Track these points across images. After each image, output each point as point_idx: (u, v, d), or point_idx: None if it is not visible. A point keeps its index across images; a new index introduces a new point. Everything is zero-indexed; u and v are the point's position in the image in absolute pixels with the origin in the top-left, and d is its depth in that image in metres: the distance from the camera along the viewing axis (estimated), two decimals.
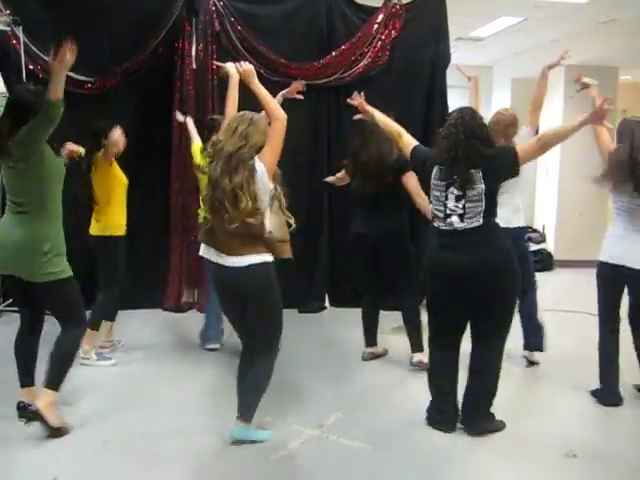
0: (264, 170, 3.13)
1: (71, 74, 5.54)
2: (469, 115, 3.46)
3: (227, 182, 3.08)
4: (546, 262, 8.59)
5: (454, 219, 3.40)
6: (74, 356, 3.58)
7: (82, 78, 5.61)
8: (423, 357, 4.43)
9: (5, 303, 5.62)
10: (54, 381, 3.44)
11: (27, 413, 3.50)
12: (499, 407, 3.80)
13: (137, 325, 5.44)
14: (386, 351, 4.92)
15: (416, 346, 4.58)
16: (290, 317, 5.86)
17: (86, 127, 5.28)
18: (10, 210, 3.43)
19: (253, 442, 3.38)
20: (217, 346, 4.87)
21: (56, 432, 3.42)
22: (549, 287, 7.85)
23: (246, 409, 3.36)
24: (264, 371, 3.38)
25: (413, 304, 4.68)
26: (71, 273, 3.46)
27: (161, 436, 3.50)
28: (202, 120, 5.65)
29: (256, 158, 3.14)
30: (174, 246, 5.94)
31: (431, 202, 3.54)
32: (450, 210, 3.41)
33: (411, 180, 4.29)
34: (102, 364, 4.55)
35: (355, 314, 5.25)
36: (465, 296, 3.43)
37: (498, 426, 3.62)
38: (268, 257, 3.24)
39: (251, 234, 3.16)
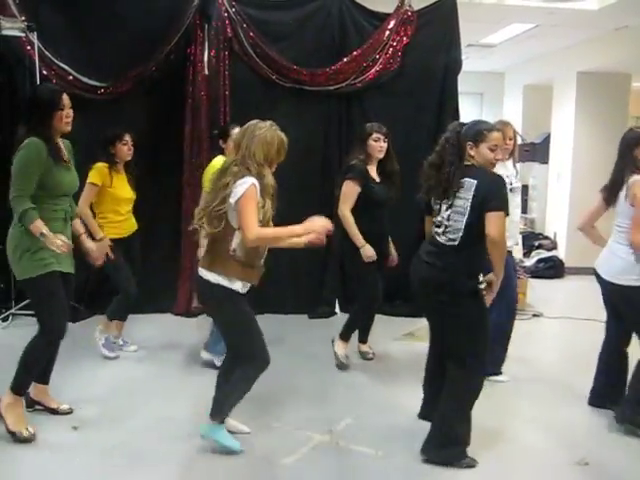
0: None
1: (84, 79, 5.62)
2: None
3: None
4: (557, 269, 8.56)
5: None
6: (32, 363, 3.48)
7: (95, 83, 5.66)
8: (341, 347, 4.74)
9: (17, 306, 5.63)
10: (14, 384, 3.45)
11: None
12: (504, 416, 3.78)
13: (145, 330, 5.45)
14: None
15: (342, 335, 4.76)
16: (300, 322, 5.92)
17: (98, 132, 5.34)
18: None
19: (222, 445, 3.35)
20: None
21: (12, 436, 3.40)
22: (560, 294, 7.84)
23: (217, 409, 3.34)
24: (238, 381, 3.30)
25: (361, 303, 4.78)
26: (34, 274, 3.34)
27: (168, 440, 3.50)
28: (215, 126, 5.70)
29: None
30: (185, 251, 5.95)
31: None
32: None
33: (346, 189, 4.49)
34: (105, 353, 4.73)
35: None
36: None
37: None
38: (224, 281, 3.16)
39: (216, 250, 3.20)
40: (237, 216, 3.09)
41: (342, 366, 4.69)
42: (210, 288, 3.19)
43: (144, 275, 5.58)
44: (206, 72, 5.78)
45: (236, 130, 4.44)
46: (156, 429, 3.64)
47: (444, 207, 3.33)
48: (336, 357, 4.72)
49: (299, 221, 3.22)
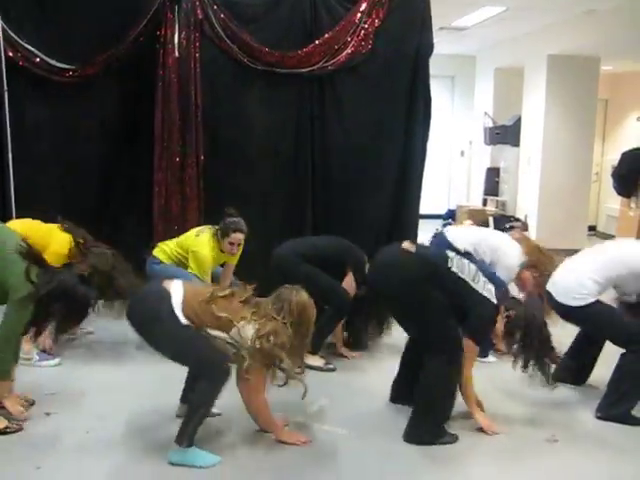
0: None
1: (51, 61, 5.52)
2: None
3: None
4: None
5: None
6: None
7: (62, 65, 5.54)
8: (315, 360, 4.37)
9: None
10: None
11: None
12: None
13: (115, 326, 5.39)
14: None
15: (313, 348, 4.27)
16: None
17: (64, 114, 5.24)
18: None
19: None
20: None
21: None
22: None
23: (180, 432, 3.12)
24: (196, 399, 3.16)
25: (335, 309, 4.50)
26: None
27: (139, 430, 3.50)
28: (186, 109, 5.66)
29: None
30: (157, 236, 5.90)
31: None
32: None
33: None
34: (44, 364, 4.30)
35: None
36: None
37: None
38: None
39: None
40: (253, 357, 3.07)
41: (330, 369, 4.41)
42: None
43: None
44: (177, 55, 5.71)
45: (236, 235, 4.56)
46: (127, 421, 3.63)
47: None
48: (319, 369, 4.35)
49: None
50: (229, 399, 3.49)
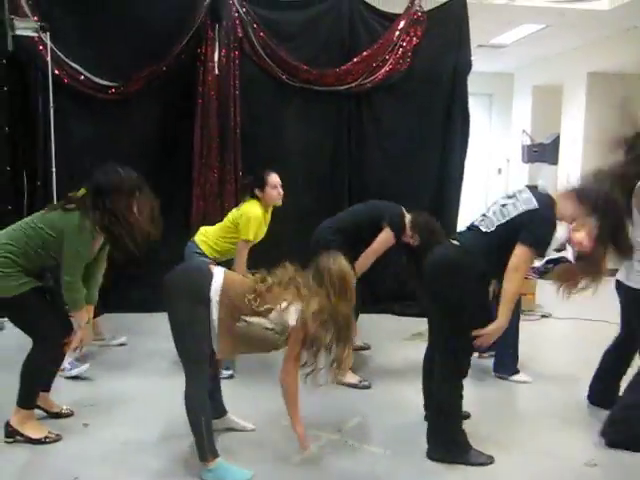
0: None
1: (95, 78, 5.67)
2: None
3: None
4: None
5: None
6: (37, 373, 3.45)
7: (106, 83, 5.70)
8: (350, 377, 4.32)
9: None
10: (21, 399, 3.39)
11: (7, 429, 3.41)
12: (512, 416, 3.78)
13: (151, 328, 5.45)
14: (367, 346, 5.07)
15: None
16: None
17: (107, 130, 5.31)
18: None
19: None
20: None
21: (39, 444, 3.37)
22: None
23: (198, 449, 3.07)
24: (190, 407, 3.06)
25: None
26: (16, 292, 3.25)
27: (174, 442, 3.52)
28: (225, 126, 5.73)
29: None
30: None
31: None
32: None
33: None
34: (76, 372, 4.34)
35: (376, 319, 5.26)
36: None
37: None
38: None
39: None
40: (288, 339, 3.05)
41: (365, 387, 4.38)
42: None
43: (153, 275, 5.58)
44: (216, 72, 5.81)
45: (272, 176, 4.48)
46: (162, 433, 3.67)
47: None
48: (354, 386, 4.33)
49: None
50: (262, 415, 3.51)
